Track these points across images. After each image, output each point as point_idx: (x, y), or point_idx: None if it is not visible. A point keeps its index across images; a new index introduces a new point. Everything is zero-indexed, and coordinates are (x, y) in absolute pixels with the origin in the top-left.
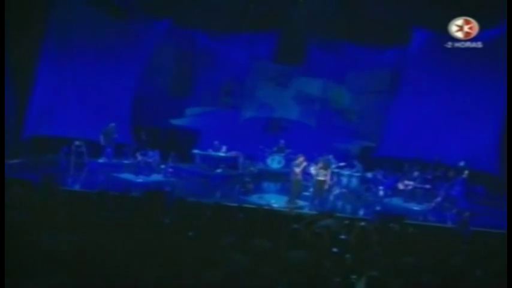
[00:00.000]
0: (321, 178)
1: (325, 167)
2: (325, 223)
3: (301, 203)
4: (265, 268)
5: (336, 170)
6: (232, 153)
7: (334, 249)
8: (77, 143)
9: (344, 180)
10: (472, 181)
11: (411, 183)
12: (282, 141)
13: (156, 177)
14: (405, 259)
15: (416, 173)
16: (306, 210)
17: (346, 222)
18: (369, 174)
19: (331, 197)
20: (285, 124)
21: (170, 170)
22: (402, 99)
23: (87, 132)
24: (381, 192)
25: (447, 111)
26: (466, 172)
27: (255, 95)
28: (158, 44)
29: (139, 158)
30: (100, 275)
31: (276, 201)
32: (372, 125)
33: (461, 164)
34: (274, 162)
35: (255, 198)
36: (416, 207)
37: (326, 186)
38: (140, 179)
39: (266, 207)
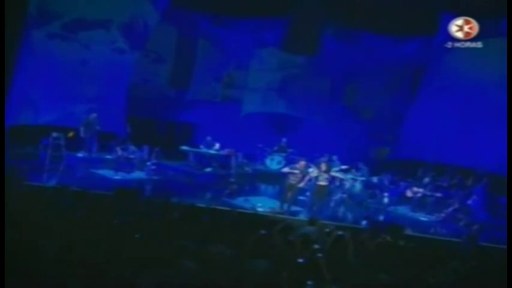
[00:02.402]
0: (322, 183)
1: (328, 169)
2: (305, 231)
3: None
4: (216, 277)
5: (339, 173)
6: (226, 151)
7: (300, 260)
8: (54, 134)
9: (347, 184)
10: (495, 190)
11: (420, 190)
12: (284, 140)
13: (137, 174)
14: (379, 276)
15: (426, 179)
16: (300, 217)
17: (327, 230)
18: (375, 179)
19: (330, 203)
20: (290, 121)
21: (153, 167)
22: (424, 96)
23: (77, 122)
24: (386, 200)
25: (472, 112)
26: (486, 180)
27: (259, 87)
28: (156, 28)
29: (120, 152)
30: (37, 275)
31: (263, 205)
32: (388, 124)
33: (482, 170)
34: (274, 163)
35: (240, 200)
36: (423, 218)
37: (327, 192)
38: (118, 176)
39: (239, 211)
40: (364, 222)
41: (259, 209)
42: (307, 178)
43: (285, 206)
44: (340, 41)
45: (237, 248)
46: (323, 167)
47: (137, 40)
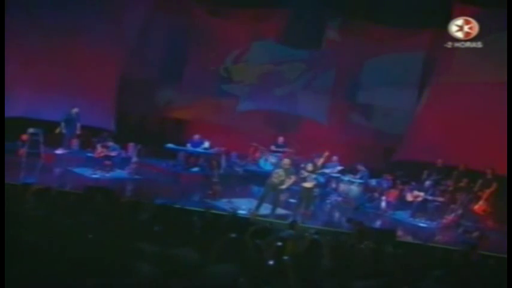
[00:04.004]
0: (308, 185)
1: (314, 170)
2: (282, 234)
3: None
4: (171, 281)
5: (336, 175)
6: (215, 150)
7: (267, 264)
8: (31, 130)
9: (342, 187)
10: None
11: (421, 194)
12: (281, 139)
13: (118, 173)
14: (350, 283)
15: (428, 182)
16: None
17: (307, 234)
18: (373, 182)
19: (325, 207)
20: (289, 119)
21: (134, 166)
22: (434, 94)
23: (58, 116)
24: (383, 204)
25: (489, 111)
26: (497, 184)
27: (257, 82)
28: (146, 18)
29: (99, 150)
30: None
31: (247, 208)
32: (394, 122)
33: (490, 173)
34: (268, 164)
35: (222, 202)
36: (423, 224)
37: (314, 194)
38: (97, 175)
39: (213, 212)
40: (348, 225)
41: (241, 212)
42: (292, 179)
43: (263, 208)
44: (343, 33)
45: (202, 251)
46: (309, 167)
47: (126, 30)
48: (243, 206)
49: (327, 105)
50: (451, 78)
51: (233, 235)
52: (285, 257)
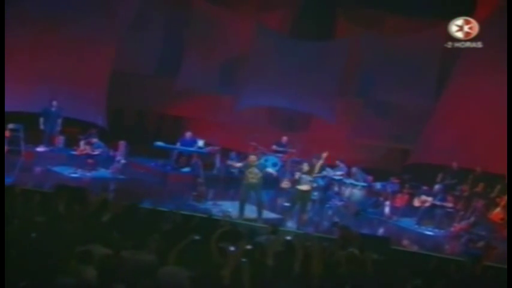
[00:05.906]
0: (304, 188)
1: (311, 171)
2: (259, 239)
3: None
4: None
5: (338, 178)
6: (209, 149)
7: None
8: (11, 126)
9: (345, 191)
10: None
11: (429, 199)
12: (285, 139)
13: (101, 173)
14: None
15: (438, 186)
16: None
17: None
18: (378, 185)
19: (322, 212)
20: (295, 117)
21: (117, 165)
22: (452, 91)
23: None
24: (387, 209)
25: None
26: None
27: (260, 77)
28: (142, 6)
29: (82, 147)
30: None
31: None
32: (408, 122)
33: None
34: (268, 165)
35: (208, 205)
36: (429, 232)
37: (310, 198)
38: (77, 174)
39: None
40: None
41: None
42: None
43: (245, 210)
44: (356, 24)
45: (162, 253)
46: (305, 168)
47: (120, 19)
48: (230, 209)
49: (335, 102)
50: (470, 76)
51: (197, 237)
52: (243, 260)
